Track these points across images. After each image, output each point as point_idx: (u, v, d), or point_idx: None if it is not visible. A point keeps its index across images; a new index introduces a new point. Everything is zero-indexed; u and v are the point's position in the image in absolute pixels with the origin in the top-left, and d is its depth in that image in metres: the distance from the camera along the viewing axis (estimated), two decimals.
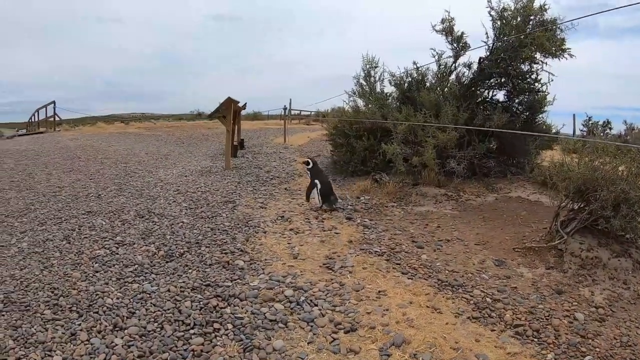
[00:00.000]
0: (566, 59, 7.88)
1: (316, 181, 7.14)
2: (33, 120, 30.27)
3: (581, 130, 21.22)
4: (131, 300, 4.23)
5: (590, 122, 21.21)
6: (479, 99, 8.80)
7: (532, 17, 8.02)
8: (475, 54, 14.56)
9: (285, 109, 18.51)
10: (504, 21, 8.21)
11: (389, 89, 9.86)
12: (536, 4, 8.00)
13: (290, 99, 19.08)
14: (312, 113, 30.83)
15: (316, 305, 4.02)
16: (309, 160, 7.55)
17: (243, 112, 16.11)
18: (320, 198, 7.06)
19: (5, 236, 6.18)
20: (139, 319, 3.88)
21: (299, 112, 32.73)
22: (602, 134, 20.55)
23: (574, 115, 19.50)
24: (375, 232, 5.96)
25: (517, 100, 8.78)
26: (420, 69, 9.14)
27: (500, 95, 8.98)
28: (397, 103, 9.29)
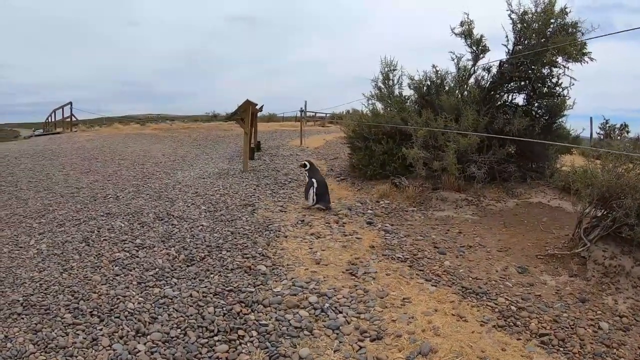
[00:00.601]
0: (587, 62, 7.80)
1: (313, 180, 7.47)
2: (50, 120, 30.47)
3: (598, 134, 21.00)
4: (153, 305, 4.22)
5: (607, 125, 20.97)
6: (498, 103, 8.72)
7: (552, 21, 7.94)
8: (494, 57, 14.44)
9: (302, 111, 18.45)
10: (525, 24, 8.14)
11: (407, 92, 9.83)
12: (556, 7, 7.92)
13: (306, 101, 19.08)
14: (328, 115, 30.77)
15: (341, 312, 3.99)
16: (306, 163, 7.96)
17: (259, 114, 16.09)
18: (315, 197, 7.38)
19: (24, 237, 6.22)
20: (162, 325, 3.87)
21: (314, 114, 32.67)
22: (619, 138, 20.33)
23: (590, 118, 19.33)
24: (396, 237, 5.92)
25: (536, 104, 8.70)
26: (439, 72, 9.08)
27: (519, 99, 8.90)
28: (416, 106, 9.24)
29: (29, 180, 10.01)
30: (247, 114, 11.20)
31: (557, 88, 8.30)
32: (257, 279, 4.68)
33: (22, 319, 4.05)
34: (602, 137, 20.44)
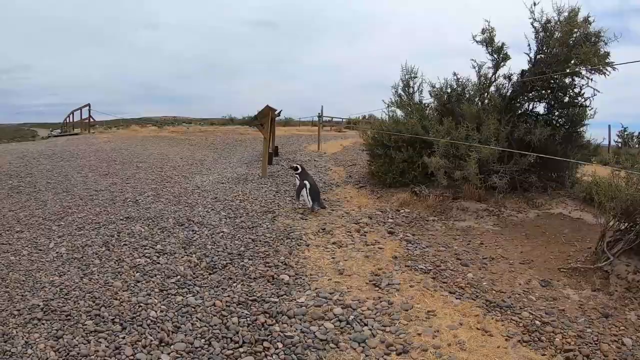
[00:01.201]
0: (609, 73, 7.71)
1: (305, 182, 7.80)
2: (68, 121, 30.66)
3: (615, 142, 20.83)
4: (176, 313, 4.23)
5: (625, 133, 20.77)
6: (519, 111, 8.65)
7: (576, 30, 7.87)
8: (514, 65, 14.33)
9: (319, 116, 18.42)
10: (548, 33, 8.08)
11: (427, 99, 9.79)
12: (579, 16, 7.85)
13: (322, 106, 19.11)
14: (344, 120, 30.75)
15: (366, 324, 3.99)
16: (297, 166, 8.31)
17: (276, 119, 16.10)
18: (309, 199, 7.67)
19: (43, 240, 6.27)
20: (185, 334, 3.89)
21: (330, 119, 32.66)
22: (637, 145, 20.18)
23: (609, 126, 19.17)
24: (418, 247, 5.89)
25: (556, 113, 8.62)
26: (460, 80, 9.04)
27: (540, 108, 8.83)
28: (436, 114, 9.19)
29: (48, 181, 10.08)
30: (267, 119, 11.22)
31: (580, 98, 8.23)
32: (280, 288, 4.69)
33: (43, 324, 4.07)
34: (619, 145, 20.28)
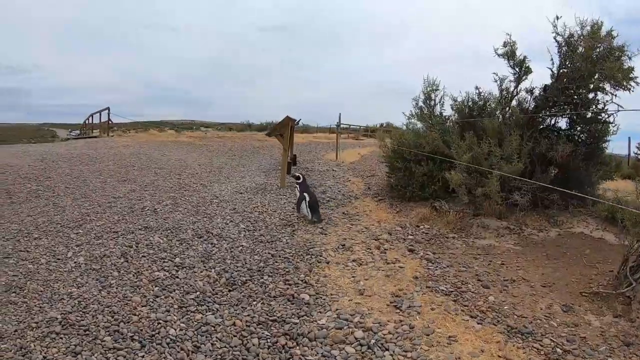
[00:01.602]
0: (633, 89, 7.62)
1: (305, 194, 7.99)
2: (87, 123, 30.89)
3: (635, 154, 20.68)
4: (195, 332, 4.22)
5: None
6: (541, 126, 8.57)
7: (599, 45, 7.78)
8: (536, 79, 14.21)
9: (338, 125, 18.42)
10: (571, 47, 8.00)
11: (447, 111, 9.74)
12: (603, 30, 7.77)
13: (340, 114, 19.00)
14: (361, 128, 30.75)
15: (387, 349, 3.94)
16: (299, 176, 8.59)
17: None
18: (308, 210, 7.84)
19: (61, 248, 6.28)
20: (206, 355, 3.88)
21: (348, 126, 32.70)
22: None
23: (629, 138, 19.04)
24: (439, 267, 5.83)
25: (578, 129, 8.53)
26: (482, 93, 8.98)
27: (562, 123, 8.74)
28: (457, 127, 9.13)
29: (66, 186, 10.14)
30: (286, 129, 11.22)
31: (603, 114, 8.13)
32: (300, 308, 4.66)
33: (61, 338, 4.07)
34: (639, 158, 20.12)
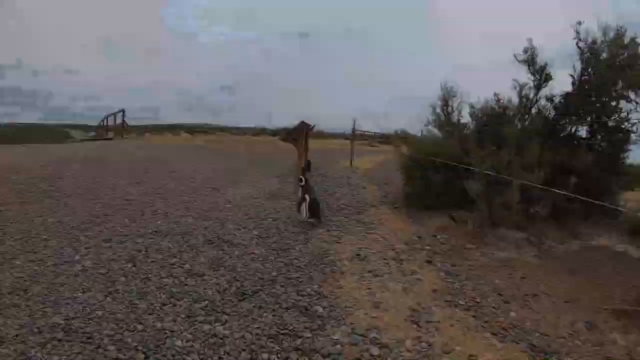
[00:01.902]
0: None
1: (306, 196, 8.06)
2: (102, 124, 31.00)
3: None
4: (202, 345, 4.06)
5: None
6: (562, 135, 8.37)
7: (623, 51, 7.59)
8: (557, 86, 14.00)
9: (353, 131, 18.29)
10: (593, 54, 7.81)
11: (465, 117, 9.55)
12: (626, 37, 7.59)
13: (355, 120, 18.86)
14: (375, 134, 30.62)
15: None
16: (302, 178, 8.70)
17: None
18: (307, 212, 7.90)
19: (69, 250, 6.19)
20: None
21: (362, 132, 32.57)
22: None
23: None
24: (458, 280, 5.65)
25: (599, 137, 8.33)
26: (501, 101, 8.78)
27: (582, 132, 8.53)
28: (476, 134, 8.94)
29: (78, 186, 10.07)
30: (301, 134, 11.07)
31: (626, 123, 7.93)
32: (313, 322, 4.49)
33: (63, 345, 3.95)
34: None
